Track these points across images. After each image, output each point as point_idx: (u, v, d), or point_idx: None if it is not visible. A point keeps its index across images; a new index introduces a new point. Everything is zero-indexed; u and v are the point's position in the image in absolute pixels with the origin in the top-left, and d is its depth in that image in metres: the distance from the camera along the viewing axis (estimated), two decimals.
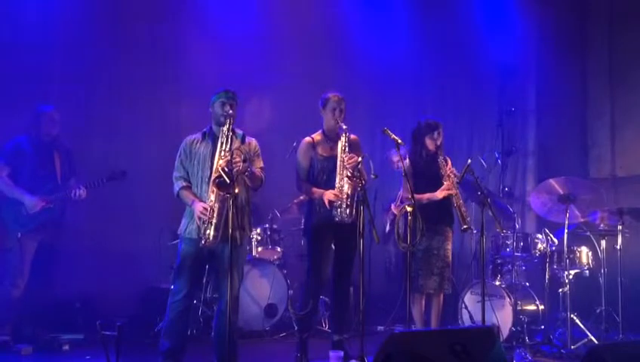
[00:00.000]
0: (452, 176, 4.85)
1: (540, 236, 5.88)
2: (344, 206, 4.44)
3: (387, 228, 6.42)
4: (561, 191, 5.44)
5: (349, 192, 4.46)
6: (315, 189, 4.64)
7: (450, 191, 4.81)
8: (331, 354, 4.21)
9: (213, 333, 4.42)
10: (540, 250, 5.79)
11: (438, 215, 4.93)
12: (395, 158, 6.28)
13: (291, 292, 5.99)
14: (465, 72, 7.81)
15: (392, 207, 6.27)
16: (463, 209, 4.80)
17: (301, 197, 6.05)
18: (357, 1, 7.59)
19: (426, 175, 4.95)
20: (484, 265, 4.83)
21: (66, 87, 6.25)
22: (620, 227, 5.51)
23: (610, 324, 5.59)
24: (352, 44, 7.45)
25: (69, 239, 5.49)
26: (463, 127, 7.79)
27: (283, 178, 5.72)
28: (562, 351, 5.22)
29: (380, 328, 6.07)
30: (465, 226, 4.74)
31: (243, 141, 4.38)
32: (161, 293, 5.31)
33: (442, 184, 4.86)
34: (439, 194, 4.84)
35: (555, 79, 7.67)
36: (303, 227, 5.19)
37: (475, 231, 6.20)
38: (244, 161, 4.16)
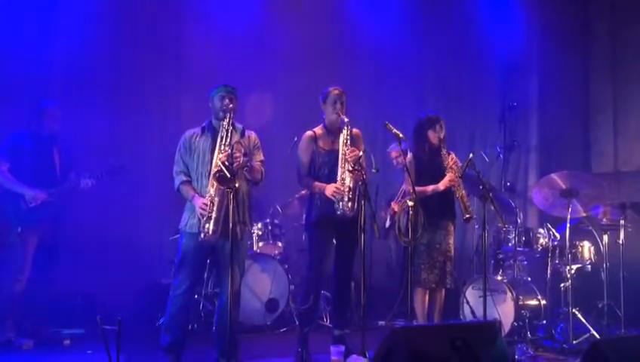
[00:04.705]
0: (455, 167, 4.84)
1: (541, 231, 5.86)
2: (346, 199, 4.43)
3: (387, 223, 6.41)
4: (563, 186, 5.42)
5: (351, 185, 4.45)
6: (316, 183, 4.63)
7: (452, 182, 4.80)
8: (332, 348, 4.20)
9: (214, 328, 4.43)
10: (541, 245, 5.77)
11: (440, 209, 4.93)
12: (394, 154, 6.26)
13: (292, 287, 5.99)
14: (467, 67, 7.79)
15: (393, 203, 6.27)
16: (466, 199, 4.80)
17: (302, 192, 6.04)
18: None
19: (430, 169, 4.94)
20: (486, 259, 4.82)
21: (68, 83, 6.25)
22: (622, 221, 5.49)
23: (612, 319, 5.59)
24: (353, 38, 7.43)
25: (69, 234, 5.49)
26: (465, 122, 7.77)
27: (284, 172, 5.71)
28: (564, 345, 5.21)
29: (381, 323, 6.07)
30: (467, 216, 4.74)
31: (242, 135, 4.38)
32: (162, 288, 5.32)
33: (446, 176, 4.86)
34: (442, 185, 4.84)
35: (558, 74, 7.65)
36: (304, 222, 5.18)
37: (476, 226, 6.21)
38: (245, 155, 4.15)
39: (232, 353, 4.18)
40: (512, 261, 5.81)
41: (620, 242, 5.49)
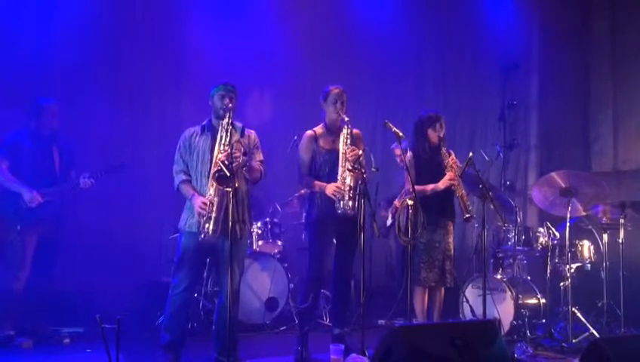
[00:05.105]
0: (455, 166, 4.84)
1: (541, 230, 5.86)
2: (346, 198, 4.43)
3: (389, 221, 6.40)
4: (563, 185, 5.42)
5: (352, 184, 4.45)
6: (317, 182, 4.63)
7: (452, 182, 4.80)
8: (332, 347, 4.20)
9: (213, 327, 4.43)
10: (541, 244, 5.77)
11: (440, 208, 4.92)
12: (398, 151, 6.26)
13: (292, 285, 5.99)
14: (467, 65, 7.79)
15: (396, 201, 6.26)
16: (466, 198, 4.79)
17: (302, 191, 6.03)
18: None
19: (430, 167, 4.93)
20: (486, 258, 4.82)
21: (67, 81, 6.24)
22: (622, 220, 5.49)
23: (611, 318, 5.59)
24: (354, 37, 7.43)
25: (69, 232, 5.48)
26: (465, 121, 7.77)
27: (284, 171, 5.71)
28: (564, 344, 5.21)
29: (381, 322, 6.07)
30: (467, 215, 4.73)
31: (242, 134, 4.37)
32: (161, 287, 5.30)
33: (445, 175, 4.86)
34: (441, 184, 4.83)
35: (558, 72, 7.65)
36: (304, 221, 5.17)
37: (476, 225, 6.21)
38: (244, 154, 4.15)
39: (232, 351, 4.17)
40: (511, 260, 5.81)
41: (620, 241, 5.49)
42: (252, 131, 4.48)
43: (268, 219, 6.28)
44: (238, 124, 4.41)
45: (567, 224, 5.35)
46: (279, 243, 6.27)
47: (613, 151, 7.51)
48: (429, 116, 5.03)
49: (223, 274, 4.19)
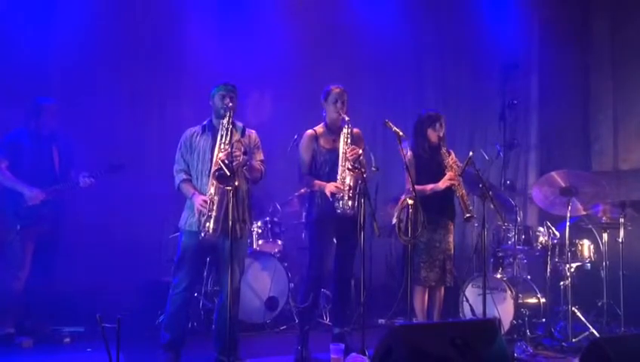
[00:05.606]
0: (455, 166, 4.83)
1: (541, 229, 5.86)
2: (346, 198, 4.44)
3: (394, 220, 6.40)
4: (563, 184, 5.43)
5: (351, 184, 4.46)
6: (317, 181, 4.63)
7: (452, 181, 4.79)
8: (332, 346, 4.20)
9: (214, 326, 4.44)
10: (541, 243, 5.78)
11: (441, 208, 4.92)
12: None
13: (292, 285, 5.99)
14: (467, 64, 7.78)
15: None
16: (466, 198, 4.79)
17: (302, 190, 6.04)
18: None
19: (430, 167, 4.93)
20: (486, 258, 4.82)
21: (67, 81, 6.24)
22: (622, 220, 5.49)
23: (611, 317, 5.59)
24: (354, 36, 7.42)
25: (69, 232, 5.49)
26: (465, 120, 7.77)
27: (284, 171, 5.72)
28: (563, 344, 5.21)
29: (381, 321, 6.07)
30: (468, 215, 4.73)
31: (243, 134, 4.38)
32: (162, 286, 5.31)
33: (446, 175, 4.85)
34: (442, 184, 4.82)
35: (558, 72, 7.65)
36: (304, 220, 5.17)
37: (476, 225, 6.20)
38: (245, 153, 4.15)
39: (232, 351, 4.18)
40: (511, 259, 5.82)
41: (620, 240, 5.49)
42: (253, 131, 4.48)
43: (268, 219, 6.28)
44: (239, 124, 4.41)
45: (567, 223, 5.36)
46: (279, 242, 6.27)
47: (613, 150, 7.50)
48: (428, 115, 5.03)
49: (224, 273, 4.20)
